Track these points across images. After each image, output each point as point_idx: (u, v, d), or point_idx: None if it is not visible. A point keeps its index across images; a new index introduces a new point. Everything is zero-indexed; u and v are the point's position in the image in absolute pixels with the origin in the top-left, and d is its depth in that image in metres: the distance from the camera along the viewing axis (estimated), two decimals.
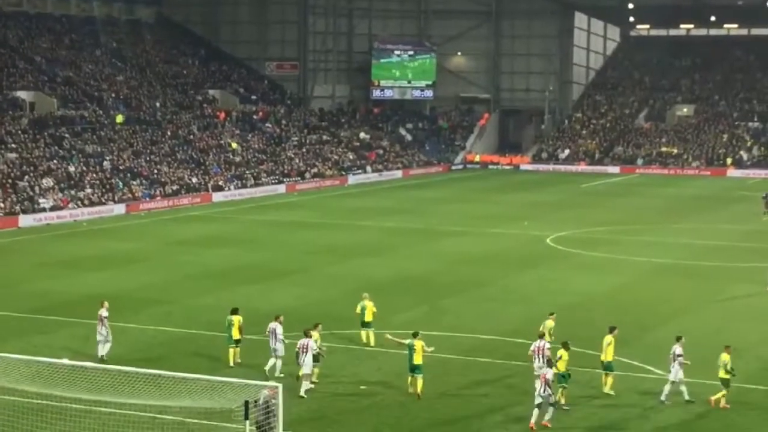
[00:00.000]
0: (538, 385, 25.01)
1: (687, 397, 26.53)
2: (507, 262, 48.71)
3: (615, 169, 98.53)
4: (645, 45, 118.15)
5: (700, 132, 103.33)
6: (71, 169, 70.38)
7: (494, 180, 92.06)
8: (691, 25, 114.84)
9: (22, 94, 78.41)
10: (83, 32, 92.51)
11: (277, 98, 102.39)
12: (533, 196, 78.10)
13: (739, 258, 49.32)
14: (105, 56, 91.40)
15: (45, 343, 32.60)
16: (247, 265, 47.45)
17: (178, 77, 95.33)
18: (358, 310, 32.34)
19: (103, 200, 67.83)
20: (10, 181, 65.40)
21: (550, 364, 25.65)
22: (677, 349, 26.80)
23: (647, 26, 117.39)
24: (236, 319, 30.07)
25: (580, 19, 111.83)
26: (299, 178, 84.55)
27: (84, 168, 71.39)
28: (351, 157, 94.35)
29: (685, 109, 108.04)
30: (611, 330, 27.78)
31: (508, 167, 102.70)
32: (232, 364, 29.71)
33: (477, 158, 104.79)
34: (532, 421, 24.74)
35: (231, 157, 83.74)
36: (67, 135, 75.20)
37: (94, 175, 70.67)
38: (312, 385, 27.42)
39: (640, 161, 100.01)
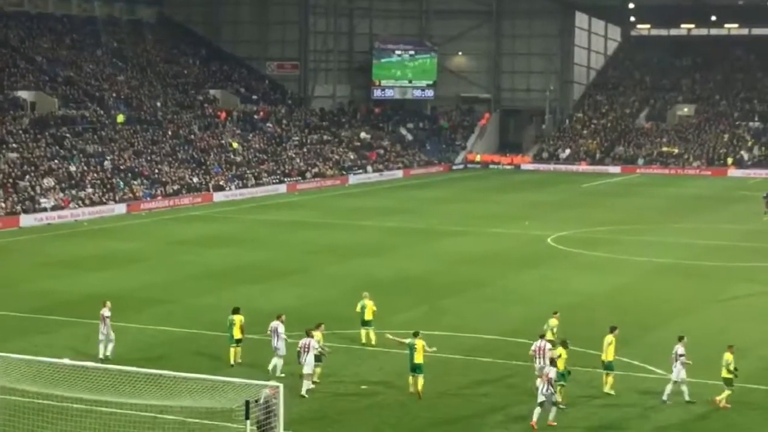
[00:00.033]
0: (540, 384, 25.05)
1: (687, 398, 26.53)
2: (508, 261, 48.72)
3: (616, 169, 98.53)
4: (646, 45, 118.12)
5: (701, 132, 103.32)
6: (72, 168, 70.41)
7: (495, 180, 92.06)
8: (692, 25, 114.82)
9: (23, 94, 78.44)
10: (84, 32, 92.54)
11: (278, 98, 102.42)
12: (534, 196, 78.10)
13: (740, 258, 49.33)
14: (106, 56, 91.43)
15: (46, 342, 32.61)
16: (247, 264, 47.47)
17: (179, 77, 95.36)
18: (358, 309, 32.41)
19: (104, 200, 67.85)
20: (11, 180, 65.43)
21: (553, 363, 25.63)
22: (679, 348, 26.80)
23: (648, 26, 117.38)
24: (237, 319, 30.10)
25: (580, 18, 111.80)
26: (300, 178, 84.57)
27: (85, 168, 71.41)
28: (352, 156, 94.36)
29: (685, 109, 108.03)
30: (612, 330, 27.79)
31: (508, 167, 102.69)
32: (232, 362, 29.75)
33: (478, 158, 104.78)
34: (534, 419, 24.76)
35: (232, 156, 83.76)
36: (68, 135, 75.23)
37: (95, 175, 70.71)
38: (313, 385, 27.44)
39: (640, 161, 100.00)
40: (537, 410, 24.79)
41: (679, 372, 26.57)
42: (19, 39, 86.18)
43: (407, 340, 27.77)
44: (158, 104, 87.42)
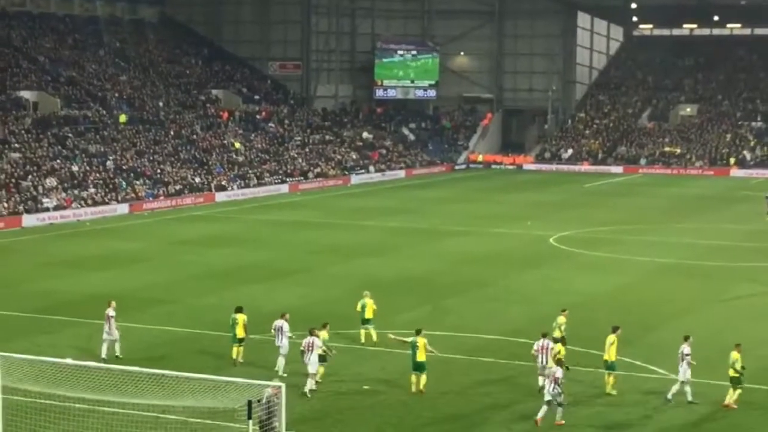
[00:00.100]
0: (547, 383, 25.07)
1: (690, 398, 26.50)
2: (510, 261, 48.72)
3: (618, 169, 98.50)
4: (648, 45, 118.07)
5: (704, 132, 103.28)
6: (74, 168, 70.44)
7: (497, 180, 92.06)
8: (695, 25, 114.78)
9: (25, 94, 78.48)
10: (86, 32, 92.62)
11: (280, 98, 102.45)
12: (536, 195, 78.09)
13: (743, 258, 49.31)
14: (108, 56, 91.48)
15: (49, 342, 32.63)
16: (250, 264, 47.48)
17: (181, 77, 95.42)
18: (359, 307, 32.49)
19: (107, 200, 67.88)
20: (13, 180, 65.45)
21: (560, 363, 25.61)
22: (685, 348, 26.76)
23: (650, 26, 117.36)
24: (241, 318, 30.12)
25: (583, 18, 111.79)
26: (302, 178, 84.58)
27: (87, 168, 71.45)
28: (354, 156, 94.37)
29: (688, 109, 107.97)
30: (614, 330, 27.77)
31: (511, 167, 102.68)
32: (235, 356, 29.81)
33: (480, 158, 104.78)
34: (539, 416, 24.79)
35: (234, 156, 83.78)
36: (70, 135, 75.27)
37: (98, 175, 70.74)
38: (315, 386, 27.42)
39: (643, 161, 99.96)
40: (544, 408, 24.81)
41: (685, 372, 26.55)
42: (21, 39, 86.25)
43: (409, 339, 27.80)
44: (160, 104, 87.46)
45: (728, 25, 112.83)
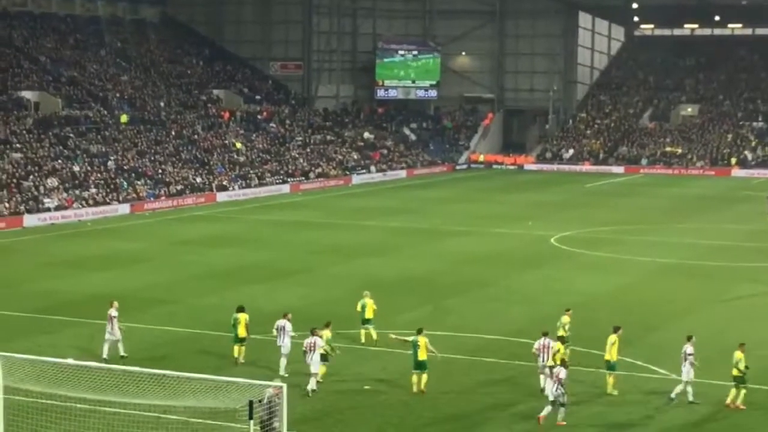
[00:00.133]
0: (549, 383, 25.07)
1: (691, 398, 26.51)
2: (511, 262, 48.73)
3: (619, 169, 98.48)
4: (649, 45, 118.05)
5: (705, 132, 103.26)
6: (76, 168, 70.47)
7: (498, 180, 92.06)
8: (696, 25, 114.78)
9: (26, 94, 78.51)
10: (88, 32, 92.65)
11: (282, 98, 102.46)
12: (537, 196, 78.08)
13: (744, 258, 49.31)
14: (109, 56, 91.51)
15: (50, 342, 32.64)
16: (251, 264, 47.50)
17: (182, 77, 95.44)
18: (359, 307, 32.52)
19: (108, 200, 67.90)
20: (14, 180, 65.47)
21: (564, 364, 25.60)
22: (688, 348, 26.77)
23: (651, 26, 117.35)
24: (242, 317, 30.14)
25: (584, 18, 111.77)
26: (303, 178, 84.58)
27: (88, 168, 71.47)
28: (355, 156, 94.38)
29: (689, 109, 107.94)
30: (615, 330, 27.78)
31: (512, 167, 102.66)
32: (236, 355, 29.82)
33: (481, 158, 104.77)
34: (542, 414, 24.83)
35: (235, 156, 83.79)
36: (71, 135, 75.30)
37: (99, 175, 70.76)
38: (316, 386, 27.43)
39: (644, 161, 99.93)
40: (548, 408, 24.85)
41: (688, 372, 26.56)
42: (22, 39, 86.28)
43: (410, 338, 27.83)
44: (162, 104, 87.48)
45: (729, 25, 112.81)
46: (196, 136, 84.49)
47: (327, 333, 28.39)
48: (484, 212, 67.03)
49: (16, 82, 79.06)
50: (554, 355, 26.89)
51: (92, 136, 76.76)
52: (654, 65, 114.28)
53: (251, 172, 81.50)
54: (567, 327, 29.79)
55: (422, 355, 27.26)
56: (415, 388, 27.36)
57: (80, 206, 65.53)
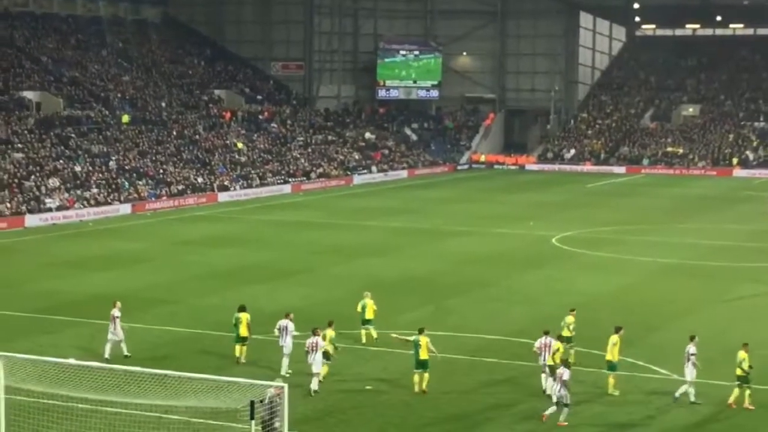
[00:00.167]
0: (551, 382, 25.05)
1: (693, 399, 26.51)
2: (512, 262, 48.72)
3: (620, 169, 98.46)
4: (651, 45, 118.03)
5: (706, 132, 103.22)
6: (77, 169, 70.50)
7: (499, 180, 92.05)
8: (697, 25, 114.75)
9: (28, 94, 78.53)
10: (89, 32, 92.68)
11: (283, 98, 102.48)
12: (538, 196, 78.07)
13: (745, 258, 49.29)
14: (111, 56, 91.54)
15: (51, 342, 32.66)
16: (252, 265, 47.51)
17: (183, 77, 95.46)
18: (359, 308, 32.55)
19: (109, 200, 67.93)
20: (16, 180, 65.51)
21: (567, 365, 25.58)
22: (691, 348, 26.76)
23: (653, 26, 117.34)
24: (244, 317, 30.15)
25: (585, 18, 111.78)
26: (304, 178, 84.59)
27: (90, 168, 71.51)
28: (356, 157, 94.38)
29: (690, 109, 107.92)
30: (617, 330, 27.78)
31: (513, 167, 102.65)
32: (238, 354, 29.84)
33: (482, 158, 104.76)
34: (546, 412, 24.85)
35: (236, 157, 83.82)
36: (73, 135, 75.33)
37: (100, 175, 70.79)
38: (318, 386, 27.43)
39: (645, 161, 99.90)
40: (552, 408, 24.87)
41: (690, 372, 26.55)
42: (24, 39, 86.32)
43: (412, 338, 27.84)
44: (163, 104, 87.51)
45: (731, 26, 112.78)
46: (197, 136, 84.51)
47: (330, 332, 28.43)
48: (485, 212, 67.03)
49: (17, 82, 79.11)
50: (554, 354, 26.93)
51: (94, 136, 76.79)
52: (655, 65, 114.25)
53: (252, 172, 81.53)
54: (572, 327, 29.78)
55: (424, 355, 27.28)
56: (416, 388, 27.37)
57: (82, 206, 65.56)
